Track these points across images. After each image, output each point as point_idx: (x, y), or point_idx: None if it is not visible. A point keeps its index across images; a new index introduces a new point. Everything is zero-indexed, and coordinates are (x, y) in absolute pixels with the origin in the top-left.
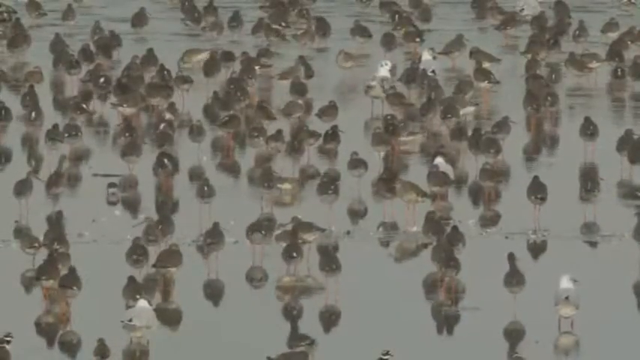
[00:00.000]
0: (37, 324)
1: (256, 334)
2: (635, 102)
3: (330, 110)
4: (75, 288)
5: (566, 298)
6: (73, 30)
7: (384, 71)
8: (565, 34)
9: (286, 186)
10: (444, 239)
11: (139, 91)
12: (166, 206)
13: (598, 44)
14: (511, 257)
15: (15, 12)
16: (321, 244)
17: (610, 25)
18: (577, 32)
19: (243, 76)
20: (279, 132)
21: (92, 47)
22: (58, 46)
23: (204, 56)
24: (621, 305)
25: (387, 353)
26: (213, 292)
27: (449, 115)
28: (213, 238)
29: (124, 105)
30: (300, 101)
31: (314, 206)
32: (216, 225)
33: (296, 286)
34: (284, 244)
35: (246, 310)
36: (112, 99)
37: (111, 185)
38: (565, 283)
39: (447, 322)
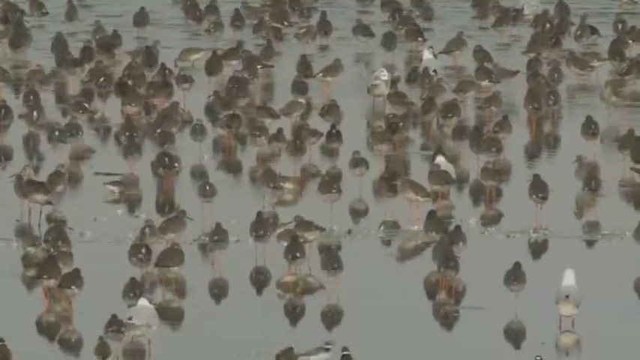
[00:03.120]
0: (38, 323)
1: (257, 334)
2: (637, 101)
3: (331, 109)
4: (73, 287)
5: (567, 297)
6: (77, 29)
7: (428, 54)
8: (566, 33)
9: (289, 185)
10: (445, 238)
11: (140, 90)
12: (175, 207)
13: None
14: (517, 265)
15: (23, 12)
16: (322, 243)
17: (615, 24)
18: (578, 32)
19: (245, 75)
20: (280, 131)
21: (94, 46)
22: (59, 46)
23: (200, 55)
24: (622, 304)
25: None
26: (215, 291)
27: (450, 115)
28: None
29: (132, 104)
30: (301, 100)
31: (315, 205)
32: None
33: (298, 282)
34: (285, 243)
35: (247, 309)
36: (117, 98)
37: (112, 184)
38: (567, 279)
39: (448, 321)
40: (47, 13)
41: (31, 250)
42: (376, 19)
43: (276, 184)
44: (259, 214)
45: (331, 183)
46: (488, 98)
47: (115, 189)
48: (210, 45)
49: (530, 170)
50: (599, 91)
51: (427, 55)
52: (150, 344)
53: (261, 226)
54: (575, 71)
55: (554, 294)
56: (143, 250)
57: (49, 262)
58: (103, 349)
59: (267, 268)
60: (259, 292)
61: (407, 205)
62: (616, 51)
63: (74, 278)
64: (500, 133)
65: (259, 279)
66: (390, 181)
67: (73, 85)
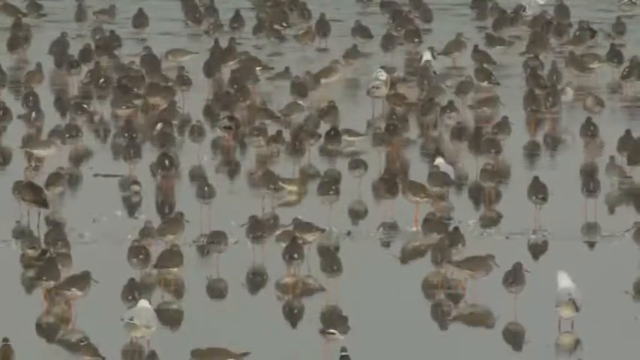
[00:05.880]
0: (38, 325)
1: (256, 335)
2: (636, 102)
3: (330, 110)
4: (74, 290)
5: (570, 299)
6: (83, 31)
7: (428, 55)
8: (565, 35)
9: (292, 187)
10: (444, 240)
11: (139, 91)
12: (172, 208)
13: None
14: (518, 266)
15: (25, 14)
16: (321, 244)
17: (617, 26)
18: (577, 33)
19: (244, 76)
20: (280, 132)
21: (93, 48)
22: (57, 47)
23: (188, 58)
24: (621, 305)
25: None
26: (214, 292)
27: (450, 114)
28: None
29: (124, 106)
30: (300, 102)
31: (315, 207)
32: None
33: (297, 283)
34: (284, 245)
35: (246, 310)
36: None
37: (134, 183)
38: (563, 282)
39: (447, 322)
40: (45, 15)
41: (31, 251)
42: (376, 21)
43: (276, 186)
44: (252, 217)
45: (329, 184)
46: (483, 100)
47: (138, 188)
48: (209, 47)
49: (529, 172)
50: (583, 99)
51: (427, 56)
52: (149, 345)
53: (258, 228)
54: (574, 73)
55: (553, 295)
56: (142, 252)
57: (49, 263)
58: (89, 351)
59: (266, 270)
60: (258, 293)
61: (407, 207)
62: (614, 53)
63: (74, 281)
64: (499, 134)
65: (258, 280)
66: (389, 183)
67: (72, 86)
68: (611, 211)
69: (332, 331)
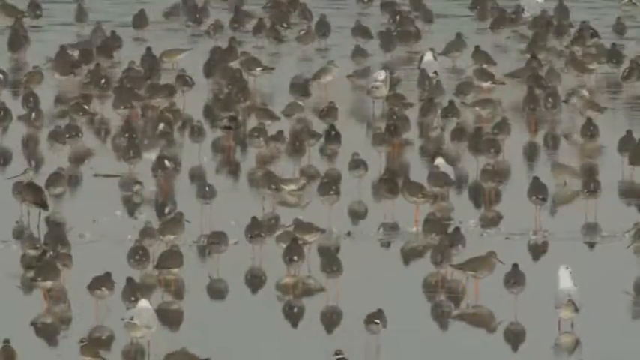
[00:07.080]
0: (37, 325)
1: (256, 335)
2: (637, 103)
3: (330, 111)
4: (104, 289)
5: (570, 301)
6: (84, 31)
7: (428, 55)
8: (565, 35)
9: (292, 187)
10: (444, 240)
11: (140, 92)
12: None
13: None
14: (515, 267)
15: (25, 15)
16: (322, 245)
17: (618, 26)
18: (577, 34)
19: (244, 76)
20: (280, 133)
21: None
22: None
23: (183, 56)
24: (621, 305)
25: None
26: (214, 292)
27: (449, 115)
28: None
29: (122, 107)
30: (300, 102)
31: (315, 207)
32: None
33: (297, 284)
34: (284, 245)
35: (246, 310)
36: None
37: (136, 183)
38: (563, 282)
39: (447, 322)
40: (41, 15)
41: (31, 252)
42: (376, 21)
43: (277, 187)
44: (254, 219)
45: (330, 184)
46: (479, 100)
47: (139, 187)
48: (207, 47)
49: (529, 172)
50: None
51: (428, 56)
52: (149, 345)
53: (256, 228)
54: (573, 73)
55: (553, 296)
56: (141, 252)
57: (47, 264)
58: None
59: (266, 270)
60: (258, 293)
61: (407, 207)
62: (614, 54)
63: (103, 281)
64: (499, 134)
65: (258, 281)
66: (390, 183)
67: (72, 86)
68: (556, 212)
69: (377, 320)
